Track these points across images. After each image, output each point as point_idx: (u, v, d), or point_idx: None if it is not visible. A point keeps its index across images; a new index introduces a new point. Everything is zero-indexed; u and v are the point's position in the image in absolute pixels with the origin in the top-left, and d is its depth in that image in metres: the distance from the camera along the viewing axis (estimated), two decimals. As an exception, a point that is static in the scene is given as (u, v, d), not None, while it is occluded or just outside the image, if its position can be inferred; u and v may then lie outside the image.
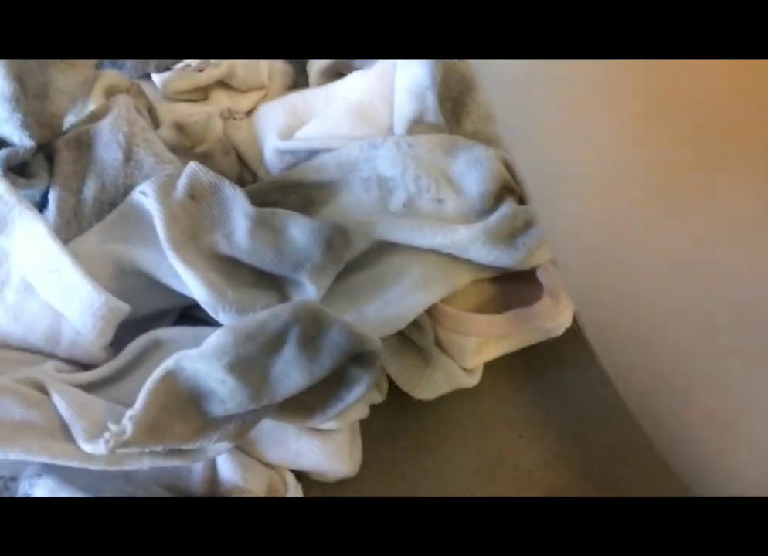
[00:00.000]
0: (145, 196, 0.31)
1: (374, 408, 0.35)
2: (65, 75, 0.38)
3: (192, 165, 0.32)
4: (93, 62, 0.41)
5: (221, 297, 0.30)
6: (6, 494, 0.31)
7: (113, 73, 0.42)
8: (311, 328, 0.28)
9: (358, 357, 0.29)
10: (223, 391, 0.27)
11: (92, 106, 0.40)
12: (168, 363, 0.27)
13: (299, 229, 0.32)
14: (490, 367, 0.38)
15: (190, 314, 0.36)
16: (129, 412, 0.27)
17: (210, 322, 0.36)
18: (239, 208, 0.32)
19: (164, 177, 0.32)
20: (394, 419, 0.37)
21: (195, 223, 0.31)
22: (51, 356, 0.32)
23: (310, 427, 0.33)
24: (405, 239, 0.35)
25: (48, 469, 0.31)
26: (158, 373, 0.27)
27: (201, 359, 0.26)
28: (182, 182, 0.32)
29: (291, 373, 0.27)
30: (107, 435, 0.26)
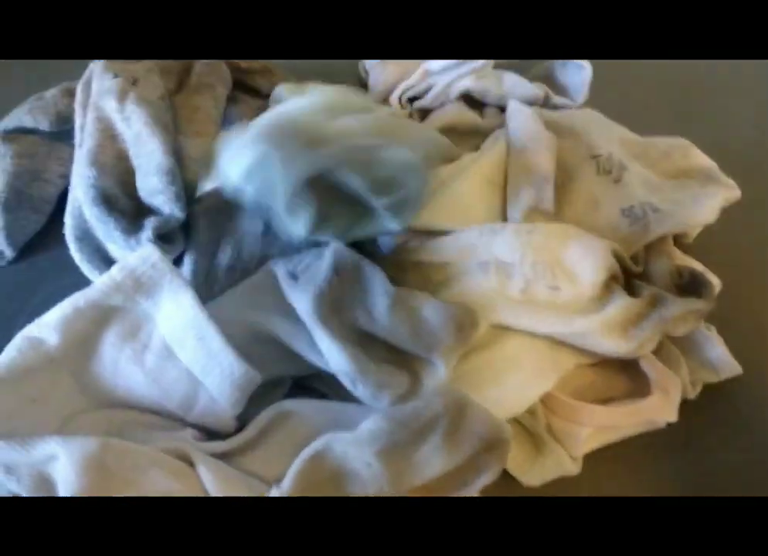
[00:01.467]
0: (294, 279, 0.32)
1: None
2: (194, 143, 0.40)
3: (336, 245, 0.33)
4: (217, 130, 0.42)
5: (363, 371, 0.30)
6: None
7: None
8: (457, 418, 0.27)
9: (489, 447, 0.29)
10: (367, 474, 0.27)
11: (216, 173, 0.41)
12: (318, 444, 0.27)
13: (433, 310, 0.32)
14: (587, 458, 0.37)
15: (303, 384, 0.36)
16: (276, 490, 0.26)
17: (321, 390, 0.36)
18: (379, 285, 0.32)
19: (307, 260, 0.34)
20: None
21: (338, 299, 0.32)
22: (180, 421, 0.32)
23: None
24: (525, 324, 0.35)
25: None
26: (307, 452, 0.27)
27: (354, 442, 0.26)
28: (328, 260, 0.32)
29: (433, 460, 0.27)
30: (257, 512, 0.26)
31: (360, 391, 0.31)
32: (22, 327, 0.31)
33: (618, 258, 0.37)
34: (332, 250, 0.33)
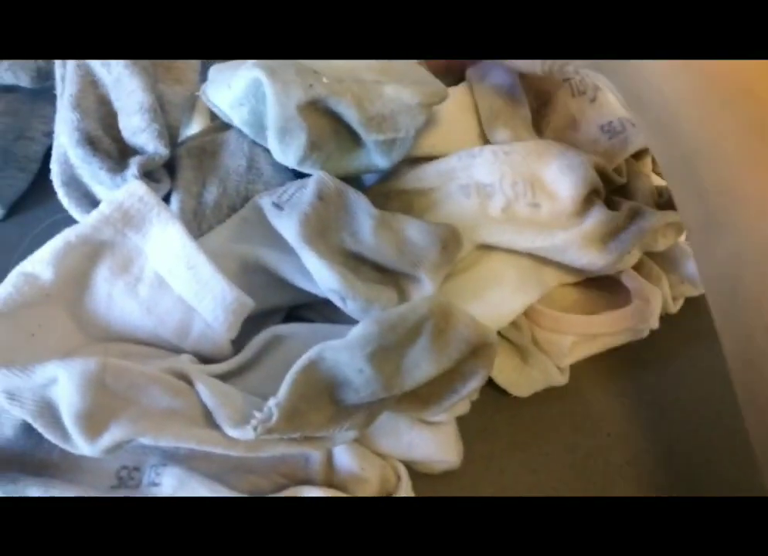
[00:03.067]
0: (279, 209, 0.33)
1: (471, 406, 0.35)
2: (173, 90, 0.39)
3: (320, 173, 0.33)
4: (196, 78, 0.42)
5: (351, 287, 0.30)
6: (131, 483, 0.31)
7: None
8: (443, 322, 0.27)
9: (475, 352, 0.30)
10: (359, 380, 0.27)
11: (197, 118, 0.42)
12: (311, 354, 0.27)
13: (417, 230, 0.32)
14: (575, 369, 0.38)
15: (296, 315, 0.36)
16: (273, 400, 0.26)
17: (315, 321, 0.36)
18: (363, 209, 0.32)
19: (291, 190, 0.33)
20: (488, 416, 0.37)
21: (323, 222, 0.32)
22: (177, 350, 0.32)
23: (421, 419, 0.33)
24: (506, 241, 0.35)
25: (171, 458, 0.32)
26: (300, 363, 0.27)
27: (345, 348, 0.26)
28: (312, 187, 0.32)
29: (422, 363, 0.28)
30: (254, 421, 0.26)
31: (350, 306, 0.31)
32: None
33: (600, 171, 0.37)
34: (315, 178, 0.33)
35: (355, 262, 0.32)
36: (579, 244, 0.35)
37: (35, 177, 0.43)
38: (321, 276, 0.31)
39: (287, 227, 0.32)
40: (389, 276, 0.32)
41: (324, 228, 0.32)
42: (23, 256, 0.31)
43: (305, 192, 0.32)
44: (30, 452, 0.30)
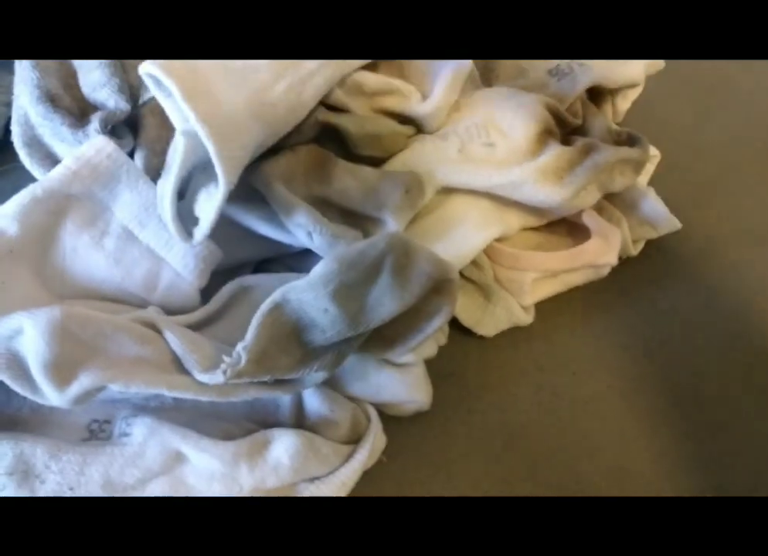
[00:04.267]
0: None
1: (438, 350, 0.36)
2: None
3: None
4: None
5: (317, 222, 0.30)
6: (101, 435, 0.31)
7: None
8: (403, 257, 0.27)
9: (438, 288, 0.30)
10: (325, 319, 0.27)
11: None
12: (275, 296, 0.27)
13: (380, 177, 0.32)
14: (540, 312, 0.39)
15: (263, 269, 0.36)
16: (241, 344, 0.26)
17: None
18: (330, 160, 0.33)
19: None
20: (457, 361, 0.37)
21: (291, 170, 0.32)
22: (144, 305, 0.32)
23: (390, 362, 0.33)
24: (465, 181, 0.35)
25: (142, 410, 0.32)
26: (265, 306, 0.27)
27: (308, 288, 0.26)
28: None
29: (385, 300, 0.28)
30: (223, 365, 0.26)
31: (316, 241, 0.31)
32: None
33: (552, 111, 0.37)
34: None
35: (322, 206, 0.32)
36: (535, 178, 0.35)
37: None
38: (289, 211, 0.30)
39: (253, 173, 0.32)
40: (355, 220, 0.33)
41: (293, 175, 0.32)
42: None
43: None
44: (2, 407, 0.30)
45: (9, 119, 0.42)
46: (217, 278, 0.33)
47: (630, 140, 0.39)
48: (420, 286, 0.28)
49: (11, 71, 0.42)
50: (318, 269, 0.27)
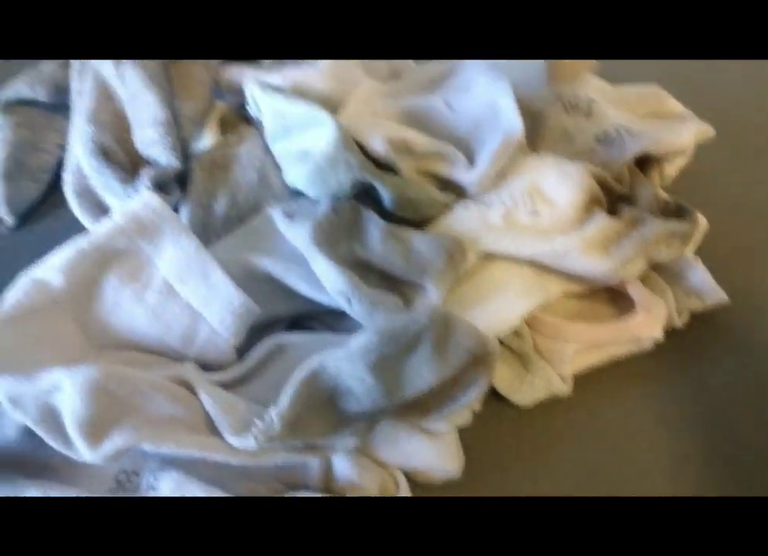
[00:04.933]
0: (290, 218, 0.33)
1: (474, 417, 0.35)
2: (188, 105, 0.39)
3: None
4: (208, 95, 0.43)
5: (357, 289, 0.30)
6: (129, 486, 0.30)
7: (223, 106, 0.44)
8: (443, 331, 0.27)
9: (476, 361, 0.30)
10: (361, 389, 0.26)
11: (208, 133, 0.42)
12: (313, 364, 0.27)
13: (424, 241, 0.32)
14: (580, 381, 0.38)
15: (299, 324, 0.36)
16: (275, 409, 0.26)
17: (317, 330, 0.36)
18: (372, 222, 0.33)
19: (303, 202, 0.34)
20: (491, 428, 0.36)
21: (335, 232, 0.32)
22: (181, 358, 0.32)
23: (421, 428, 0.33)
24: (507, 248, 0.35)
25: (171, 463, 0.32)
26: (302, 373, 0.26)
27: (346, 358, 0.26)
28: (326, 201, 0.33)
29: (423, 372, 0.27)
30: (254, 430, 0.26)
31: (355, 308, 0.30)
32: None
33: (598, 180, 0.37)
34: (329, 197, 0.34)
35: (363, 270, 0.32)
36: (580, 249, 0.34)
37: (46, 188, 0.44)
38: (329, 278, 0.30)
39: (299, 234, 0.32)
40: (395, 285, 0.32)
41: (335, 237, 0.32)
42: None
43: (319, 206, 0.33)
44: (31, 455, 0.30)
45: (61, 159, 0.43)
46: (251, 330, 0.33)
47: (679, 211, 0.38)
48: (459, 359, 0.28)
49: (65, 116, 0.43)
50: (358, 341, 0.27)
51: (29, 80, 0.42)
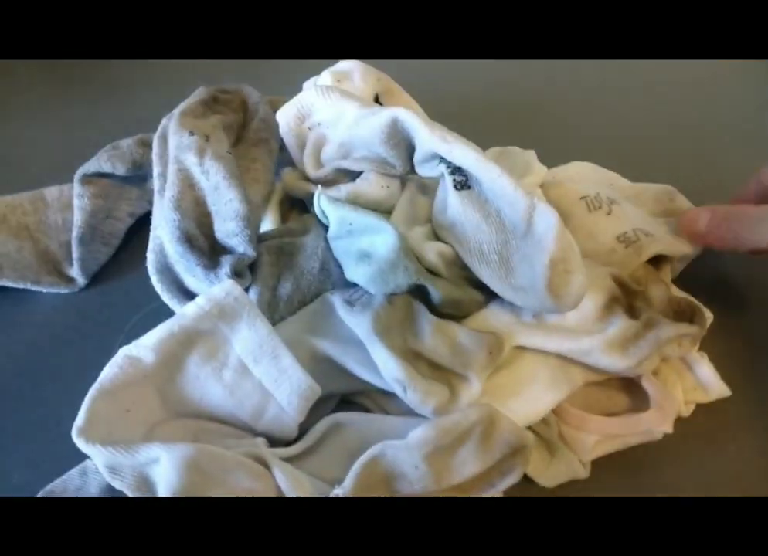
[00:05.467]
0: (351, 306, 0.37)
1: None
2: (253, 189, 0.44)
3: None
4: (271, 178, 0.47)
5: (413, 379, 0.34)
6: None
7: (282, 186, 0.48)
8: (489, 427, 0.31)
9: (514, 452, 0.34)
10: (414, 475, 0.30)
11: (269, 214, 0.46)
12: (374, 450, 0.30)
13: (468, 336, 0.36)
14: (596, 463, 0.42)
15: (350, 399, 0.40)
16: (339, 490, 0.30)
17: (366, 406, 0.40)
18: (423, 314, 0.37)
19: (361, 291, 0.38)
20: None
21: (390, 322, 0.36)
22: (249, 429, 0.36)
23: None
24: (538, 344, 0.39)
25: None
26: (365, 458, 0.30)
27: (405, 449, 0.30)
28: (381, 294, 0.37)
29: (469, 462, 0.31)
30: (323, 508, 0.30)
31: (410, 396, 0.34)
32: (115, 349, 0.35)
33: (617, 281, 0.41)
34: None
35: (414, 359, 0.36)
36: (602, 349, 0.38)
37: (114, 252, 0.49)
38: (388, 367, 0.34)
39: (360, 322, 0.36)
40: (441, 374, 0.36)
41: (391, 327, 0.36)
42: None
43: (376, 297, 0.37)
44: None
45: (129, 226, 0.47)
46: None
47: (688, 312, 0.43)
48: (501, 452, 0.32)
49: (137, 185, 0.48)
50: (417, 434, 0.30)
51: (109, 156, 0.46)
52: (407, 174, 0.44)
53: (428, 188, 0.45)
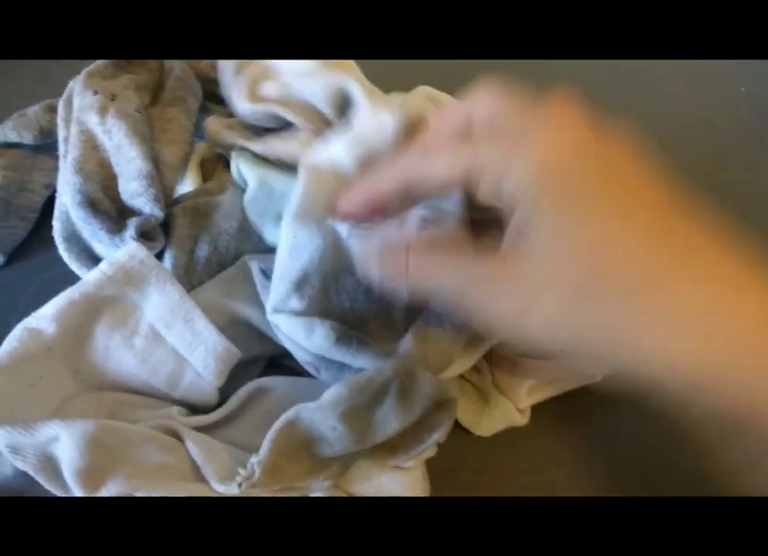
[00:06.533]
0: (267, 278, 0.35)
1: (438, 447, 0.37)
2: (169, 150, 0.41)
3: None
4: (190, 139, 0.44)
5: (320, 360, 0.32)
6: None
7: (204, 147, 0.45)
8: (407, 381, 0.29)
9: (439, 406, 0.32)
10: (333, 436, 0.29)
11: (189, 176, 0.44)
12: (289, 414, 0.29)
13: None
14: (537, 411, 0.41)
15: (276, 362, 0.38)
16: (255, 458, 0.28)
17: (295, 368, 0.39)
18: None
19: None
20: (455, 458, 0.39)
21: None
22: (166, 399, 0.34)
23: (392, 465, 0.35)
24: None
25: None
26: (279, 423, 0.29)
27: (319, 410, 0.28)
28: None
29: (389, 419, 0.30)
30: (238, 478, 0.28)
31: (323, 376, 0.33)
32: (16, 323, 0.33)
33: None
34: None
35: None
36: None
37: (33, 226, 0.46)
38: (297, 352, 0.33)
39: (268, 302, 0.34)
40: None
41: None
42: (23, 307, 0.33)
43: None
44: (28, 491, 0.31)
45: (47, 198, 0.45)
46: (232, 370, 0.35)
47: None
48: (423, 406, 0.30)
49: (51, 155, 0.45)
50: (329, 394, 0.29)
51: (15, 124, 0.44)
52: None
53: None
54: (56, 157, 0.45)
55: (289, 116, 0.38)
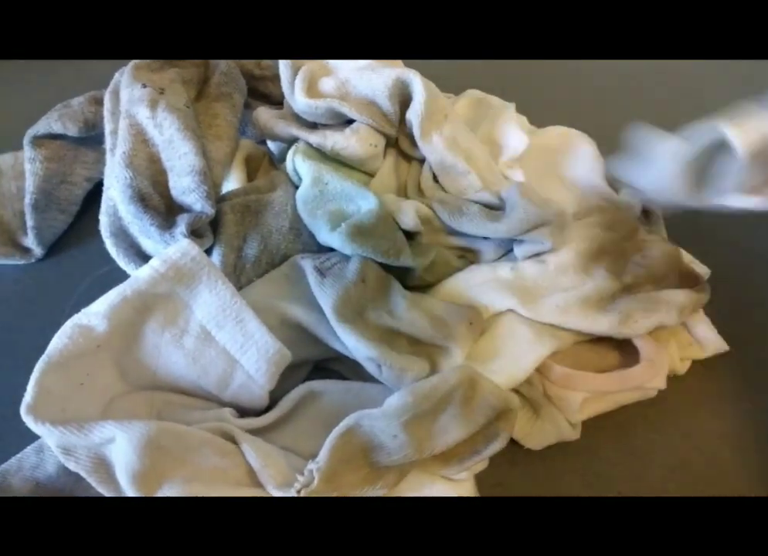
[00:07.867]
0: (322, 276, 0.34)
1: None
2: (215, 146, 0.41)
3: (364, 256, 0.35)
4: (235, 135, 0.44)
5: (386, 356, 0.31)
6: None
7: (249, 143, 0.45)
8: (470, 390, 0.29)
9: (498, 416, 0.31)
10: (393, 444, 0.28)
11: (234, 173, 0.43)
12: (349, 421, 0.28)
13: (446, 309, 0.34)
14: (588, 426, 0.40)
15: (324, 366, 0.38)
16: (313, 465, 0.27)
17: (340, 372, 0.38)
18: (397, 291, 0.35)
19: (334, 259, 0.36)
20: (504, 471, 0.38)
21: (361, 302, 0.33)
22: (214, 401, 0.34)
23: (443, 476, 0.34)
24: (513, 305, 0.37)
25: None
26: (339, 429, 0.28)
27: (381, 417, 0.27)
28: (355, 267, 0.34)
29: (450, 429, 0.29)
30: (297, 484, 0.27)
31: (385, 374, 0.32)
32: (64, 318, 0.32)
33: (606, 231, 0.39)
34: (361, 260, 0.35)
35: (391, 336, 0.33)
36: (579, 306, 0.37)
37: (73, 219, 0.45)
38: (357, 348, 0.32)
39: (326, 300, 0.33)
40: (421, 348, 0.34)
41: (362, 307, 0.33)
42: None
43: (349, 268, 0.34)
44: (70, 490, 0.31)
45: (88, 191, 0.44)
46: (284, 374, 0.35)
47: (694, 281, 0.40)
48: (484, 415, 0.29)
49: (93, 148, 0.44)
50: (393, 401, 0.28)
51: (60, 115, 0.43)
52: (395, 136, 0.41)
53: (410, 157, 0.43)
54: (98, 150, 0.45)
55: (350, 112, 0.38)
